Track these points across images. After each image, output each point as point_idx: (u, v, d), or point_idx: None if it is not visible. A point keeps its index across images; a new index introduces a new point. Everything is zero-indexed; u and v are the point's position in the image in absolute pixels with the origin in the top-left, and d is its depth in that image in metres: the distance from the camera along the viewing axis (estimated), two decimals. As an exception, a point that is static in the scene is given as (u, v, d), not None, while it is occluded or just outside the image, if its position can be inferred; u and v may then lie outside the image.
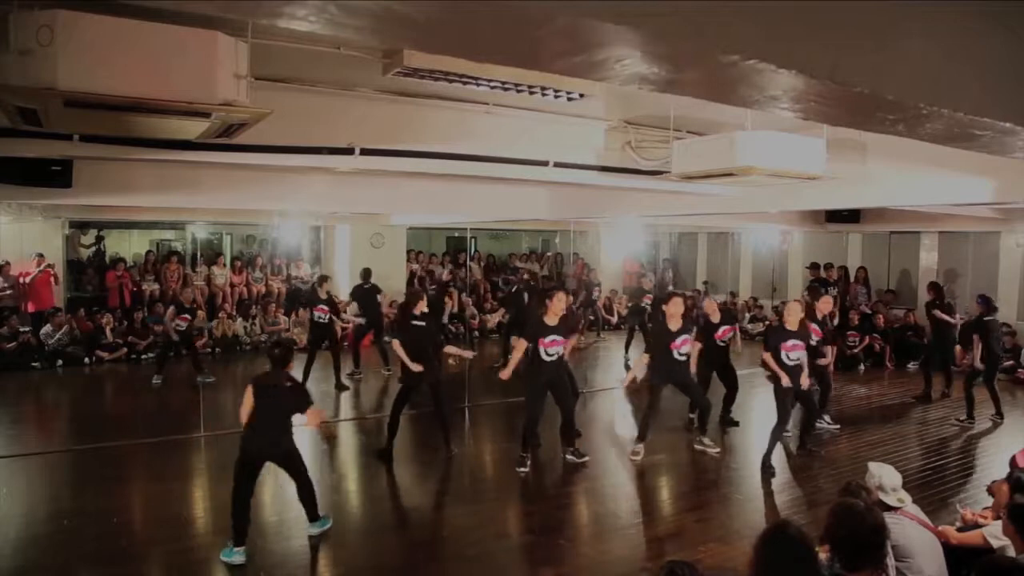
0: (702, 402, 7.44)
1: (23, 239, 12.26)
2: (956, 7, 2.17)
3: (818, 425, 7.82)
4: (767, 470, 6.71)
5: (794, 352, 6.71)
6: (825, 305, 8.21)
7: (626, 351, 12.68)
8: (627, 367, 12.51)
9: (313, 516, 5.20)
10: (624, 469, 6.97)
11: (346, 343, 11.33)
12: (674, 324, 7.06)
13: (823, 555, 2.82)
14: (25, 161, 5.85)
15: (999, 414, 8.76)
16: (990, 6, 2.24)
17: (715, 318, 8.05)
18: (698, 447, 7.46)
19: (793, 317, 6.79)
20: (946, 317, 9.82)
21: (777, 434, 6.81)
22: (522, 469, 6.67)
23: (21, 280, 11.96)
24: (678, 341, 7.00)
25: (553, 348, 6.56)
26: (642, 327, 12.32)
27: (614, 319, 16.40)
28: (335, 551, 5.24)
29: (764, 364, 6.98)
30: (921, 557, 3.53)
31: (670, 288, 14.76)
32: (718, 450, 7.45)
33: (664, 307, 7.25)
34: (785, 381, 6.65)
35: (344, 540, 5.37)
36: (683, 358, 7.08)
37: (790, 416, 6.97)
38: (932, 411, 9.35)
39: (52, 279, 12.07)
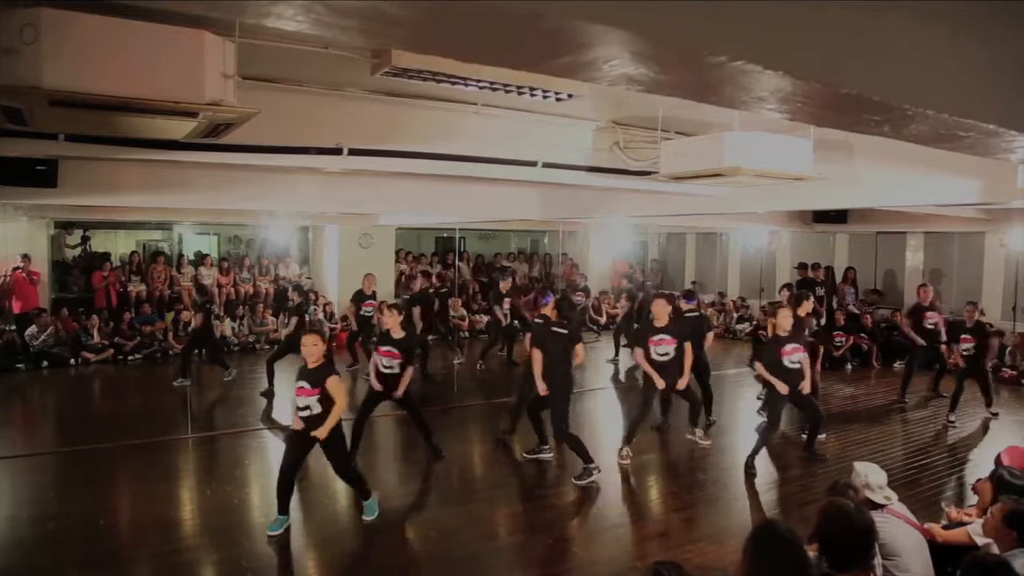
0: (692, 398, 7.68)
1: (8, 239, 12.14)
2: (941, 10, 2.19)
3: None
4: (749, 470, 6.68)
5: (795, 355, 6.73)
6: (805, 309, 8.13)
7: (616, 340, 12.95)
8: (616, 350, 12.69)
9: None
10: (612, 469, 6.97)
11: (335, 344, 11.28)
12: (658, 323, 7.09)
13: (811, 554, 2.83)
14: (9, 160, 5.79)
15: (952, 411, 8.71)
16: (975, 9, 2.26)
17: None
18: (688, 436, 7.70)
19: (785, 322, 6.80)
20: (914, 336, 9.65)
21: (765, 437, 6.85)
22: (592, 479, 6.47)
23: (3, 280, 11.83)
24: (655, 339, 7.02)
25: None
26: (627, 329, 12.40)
27: (603, 319, 16.41)
28: (323, 552, 5.22)
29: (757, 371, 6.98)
30: (907, 555, 3.55)
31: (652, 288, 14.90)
32: (709, 442, 7.60)
33: (653, 308, 7.26)
34: (782, 388, 6.67)
35: (332, 541, 5.35)
36: (663, 358, 7.00)
37: (780, 420, 7.01)
38: (918, 410, 9.41)
39: (28, 278, 11.88)
